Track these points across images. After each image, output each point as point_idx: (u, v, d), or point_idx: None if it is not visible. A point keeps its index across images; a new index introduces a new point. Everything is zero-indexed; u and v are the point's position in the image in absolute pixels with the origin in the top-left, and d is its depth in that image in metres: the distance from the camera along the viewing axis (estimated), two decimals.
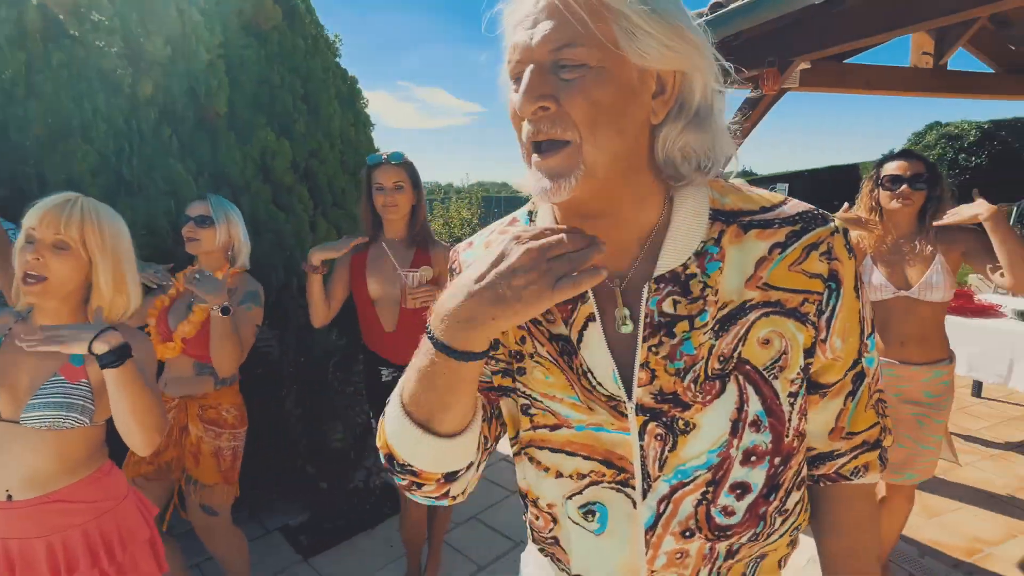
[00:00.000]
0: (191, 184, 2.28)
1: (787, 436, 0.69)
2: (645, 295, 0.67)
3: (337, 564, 2.38)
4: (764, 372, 0.67)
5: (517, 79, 0.63)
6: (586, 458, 0.72)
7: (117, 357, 1.13)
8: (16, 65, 2.00)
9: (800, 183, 20.95)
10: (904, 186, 1.81)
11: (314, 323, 1.99)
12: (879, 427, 0.75)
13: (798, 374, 0.68)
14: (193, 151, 2.36)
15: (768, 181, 21.34)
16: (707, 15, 2.81)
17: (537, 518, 0.81)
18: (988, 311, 3.30)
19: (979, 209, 1.68)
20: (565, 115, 0.60)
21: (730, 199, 0.70)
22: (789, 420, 0.69)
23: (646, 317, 0.66)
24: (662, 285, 0.66)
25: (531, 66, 0.60)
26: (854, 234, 1.90)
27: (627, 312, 0.68)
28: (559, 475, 0.74)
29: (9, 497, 1.16)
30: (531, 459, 0.77)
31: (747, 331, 0.66)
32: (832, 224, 0.67)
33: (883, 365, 1.88)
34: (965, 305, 3.31)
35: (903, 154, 1.88)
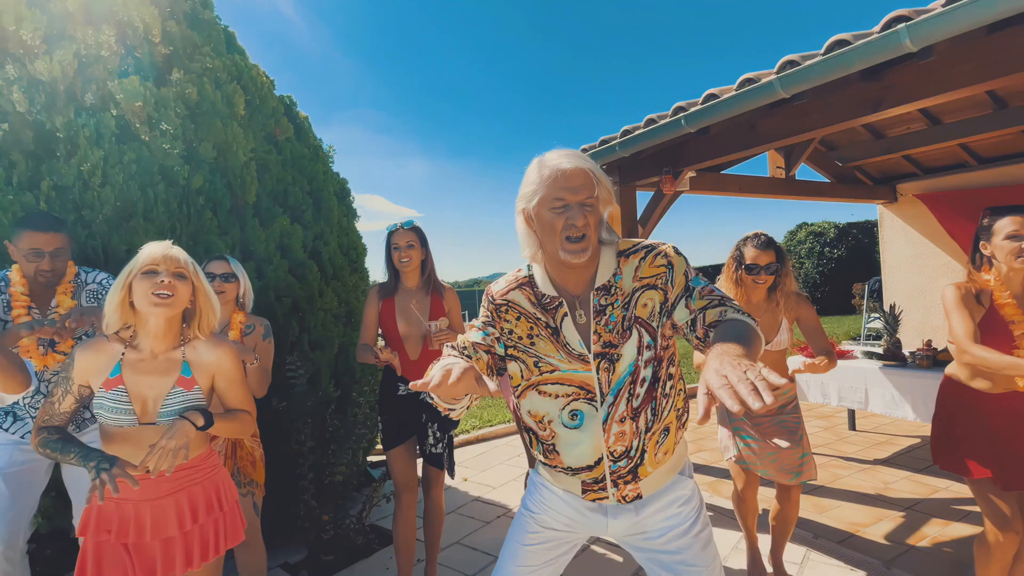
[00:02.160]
0: (225, 254, 2.66)
1: (663, 348, 1.26)
2: (592, 299, 1.25)
3: None
4: (647, 320, 1.24)
5: (563, 208, 1.20)
6: (568, 386, 1.26)
7: (207, 423, 1.45)
8: (95, 160, 2.40)
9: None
10: (761, 272, 2.22)
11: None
12: (719, 297, 1.22)
13: (662, 316, 1.25)
14: (228, 230, 2.77)
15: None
16: (619, 138, 3.65)
17: (544, 430, 1.30)
18: (845, 355, 4.11)
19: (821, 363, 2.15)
20: (588, 227, 1.20)
21: (623, 246, 1.30)
22: (660, 338, 1.25)
23: (593, 309, 1.24)
24: (598, 292, 1.25)
25: (579, 202, 1.20)
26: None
27: (581, 311, 1.27)
28: (556, 396, 1.27)
29: (148, 472, 1.46)
30: (539, 392, 1.29)
31: (636, 302, 1.24)
32: (666, 245, 1.28)
33: None
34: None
35: (762, 244, 2.23)
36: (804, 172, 5.57)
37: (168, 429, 1.35)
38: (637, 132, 3.58)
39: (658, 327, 1.25)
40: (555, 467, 1.31)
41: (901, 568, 2.52)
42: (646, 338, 1.24)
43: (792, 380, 2.39)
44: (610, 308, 1.25)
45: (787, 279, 2.25)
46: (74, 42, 2.45)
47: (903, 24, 2.19)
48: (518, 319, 1.31)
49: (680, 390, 1.32)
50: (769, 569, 2.48)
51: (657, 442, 1.26)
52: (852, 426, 4.78)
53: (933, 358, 3.66)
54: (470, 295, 22.03)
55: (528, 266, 1.35)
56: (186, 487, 1.48)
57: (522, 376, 1.31)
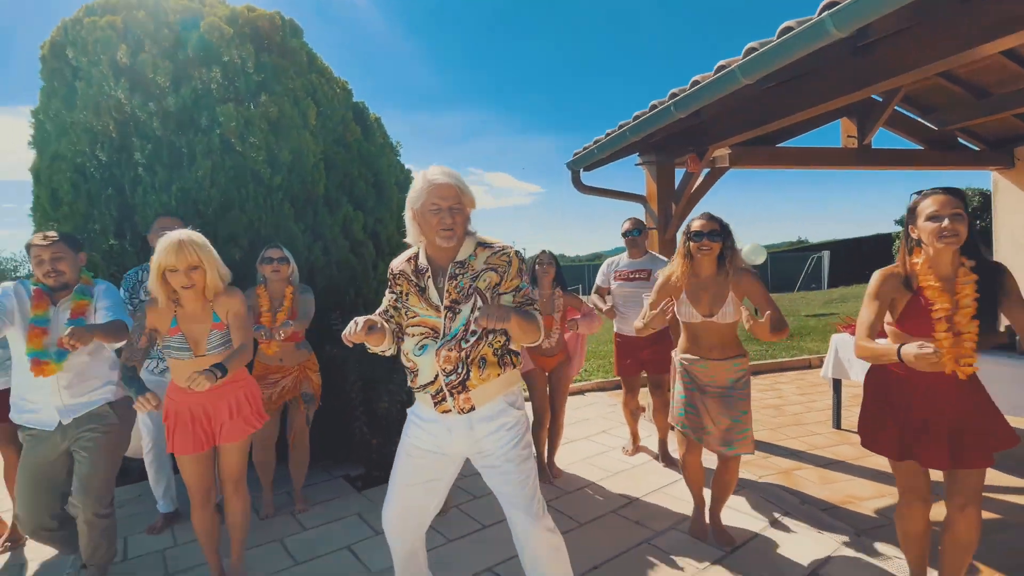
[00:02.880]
0: (299, 238, 3.39)
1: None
2: (450, 270, 1.68)
3: (382, 492, 3.22)
4: (483, 290, 1.66)
5: (437, 210, 1.63)
6: (423, 327, 1.71)
7: (223, 374, 1.97)
8: (206, 168, 3.20)
9: (841, 249, 21.86)
10: (704, 239, 2.34)
11: None
12: (531, 301, 1.72)
13: (494, 291, 1.67)
14: (302, 218, 3.49)
15: (815, 248, 22.45)
16: (631, 123, 3.81)
17: (408, 362, 1.76)
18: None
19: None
20: (458, 223, 1.62)
21: (484, 239, 1.72)
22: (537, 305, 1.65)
23: (448, 275, 1.68)
24: (456, 264, 1.68)
25: (448, 207, 1.62)
26: (670, 273, 2.46)
27: (441, 277, 1.71)
28: (414, 336, 1.73)
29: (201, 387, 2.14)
30: (407, 334, 1.75)
31: (479, 277, 1.65)
32: (512, 250, 1.70)
33: (697, 363, 2.43)
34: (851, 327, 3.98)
35: (707, 216, 2.38)
36: (886, 141, 5.11)
37: (199, 377, 1.90)
38: (642, 118, 3.72)
39: (490, 297, 1.67)
40: (415, 389, 1.76)
41: (872, 538, 2.58)
42: (479, 302, 1.67)
43: (745, 355, 2.46)
44: (461, 277, 1.69)
45: (734, 255, 2.38)
46: (191, 80, 3.26)
47: None
48: (404, 282, 1.78)
49: (503, 340, 1.73)
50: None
51: (478, 367, 1.68)
52: None
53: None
54: (592, 268, 22.35)
55: (416, 247, 1.79)
56: (230, 392, 2.16)
57: (402, 320, 1.79)
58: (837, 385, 4.26)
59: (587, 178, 4.74)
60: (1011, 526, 2.66)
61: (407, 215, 1.70)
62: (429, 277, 1.72)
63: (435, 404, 1.72)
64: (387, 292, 1.84)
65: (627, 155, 4.55)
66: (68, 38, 3.34)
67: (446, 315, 1.68)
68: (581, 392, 5.64)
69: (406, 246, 1.84)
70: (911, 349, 1.65)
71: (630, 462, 3.64)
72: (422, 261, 1.75)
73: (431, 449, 1.78)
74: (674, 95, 3.49)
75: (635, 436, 3.77)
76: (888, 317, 1.98)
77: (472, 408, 1.70)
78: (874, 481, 3.22)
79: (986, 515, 2.80)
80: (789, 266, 21.53)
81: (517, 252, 1.70)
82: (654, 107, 3.71)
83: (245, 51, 3.41)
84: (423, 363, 1.71)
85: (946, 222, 1.78)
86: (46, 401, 2.16)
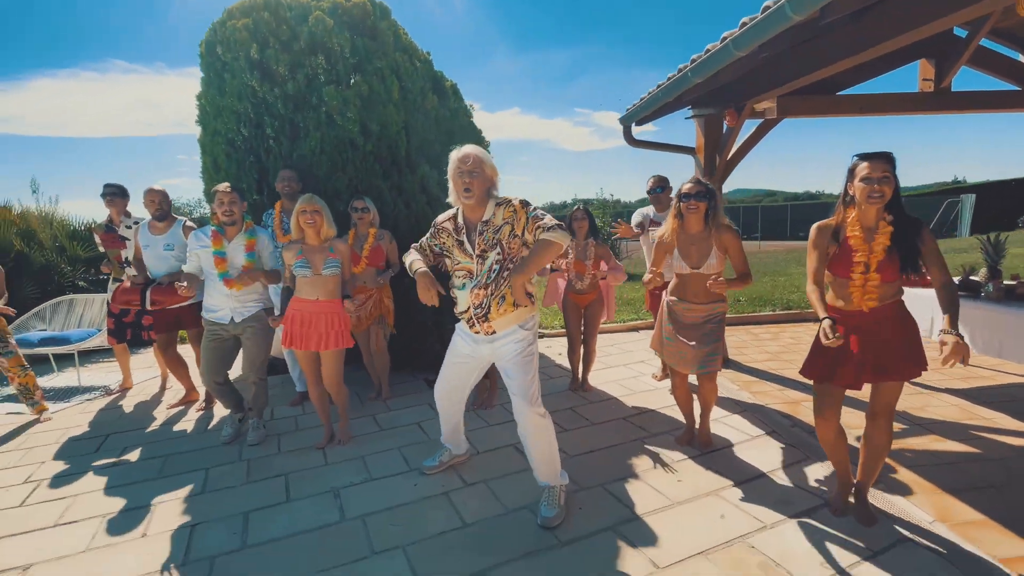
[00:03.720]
0: (386, 193, 4.19)
1: (508, 257, 2.27)
2: (479, 227, 2.29)
3: None
4: (502, 240, 2.26)
5: (460, 173, 2.26)
6: (463, 270, 2.36)
7: (347, 295, 2.92)
8: (316, 139, 4.06)
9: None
10: (691, 199, 2.70)
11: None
12: (541, 220, 2.26)
13: (511, 238, 2.26)
14: (388, 177, 4.27)
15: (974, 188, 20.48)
16: (675, 75, 4.00)
17: (452, 295, 2.42)
18: (925, 283, 3.97)
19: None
20: (475, 184, 2.24)
21: (500, 200, 2.29)
22: (507, 250, 2.26)
23: (479, 231, 2.29)
24: (483, 223, 2.29)
25: (466, 173, 2.24)
26: (664, 231, 2.86)
27: (474, 233, 2.33)
28: (457, 275, 2.38)
29: (317, 299, 3.04)
30: (455, 274, 2.41)
31: (500, 230, 2.25)
32: (517, 201, 2.28)
33: (681, 304, 2.85)
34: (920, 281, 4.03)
35: (693, 180, 2.73)
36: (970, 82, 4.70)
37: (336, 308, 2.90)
38: (668, 81, 3.90)
39: (506, 245, 2.28)
40: (457, 314, 2.45)
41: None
42: (498, 250, 2.28)
43: (724, 301, 2.85)
44: (487, 232, 2.30)
45: (718, 214, 2.75)
46: (303, 68, 4.07)
47: None
48: (446, 236, 2.42)
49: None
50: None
51: (497, 303, 2.30)
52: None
53: (1009, 292, 3.44)
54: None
55: (456, 208, 2.43)
56: (329, 311, 3.04)
57: (450, 265, 2.45)
58: None
59: (639, 134, 5.02)
60: (982, 459, 2.90)
61: (449, 184, 2.34)
62: (464, 233, 2.36)
63: (469, 326, 2.44)
64: (428, 236, 2.53)
65: (678, 109, 4.76)
66: (217, 37, 4.27)
67: (477, 261, 2.33)
68: (636, 329, 6.15)
69: None
70: (824, 324, 2.04)
71: (655, 385, 4.20)
72: (460, 221, 2.39)
73: (467, 353, 2.52)
74: (724, 38, 3.49)
75: (664, 364, 4.30)
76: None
77: (493, 332, 2.38)
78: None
79: (960, 446, 3.07)
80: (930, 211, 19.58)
81: (521, 201, 2.28)
82: (708, 50, 3.78)
83: (343, 39, 4.13)
84: (461, 296, 2.40)
85: (875, 184, 2.09)
86: (224, 306, 3.19)
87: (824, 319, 2.07)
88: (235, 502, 2.65)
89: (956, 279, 3.80)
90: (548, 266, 3.76)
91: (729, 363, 4.74)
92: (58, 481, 2.94)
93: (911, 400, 3.74)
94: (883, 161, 2.10)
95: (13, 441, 3.55)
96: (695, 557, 2.12)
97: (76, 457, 3.25)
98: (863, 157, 2.14)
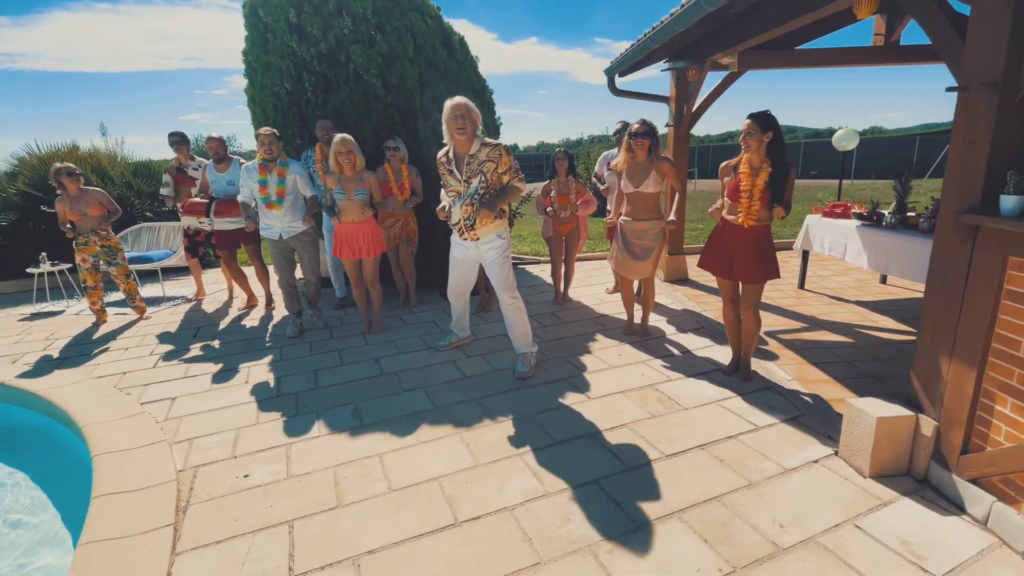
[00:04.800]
0: (404, 137, 4.97)
1: (489, 184, 3.10)
2: (466, 160, 3.11)
3: None
4: (485, 172, 3.08)
5: (454, 117, 3.04)
6: (453, 191, 3.20)
7: (375, 214, 3.77)
8: (345, 92, 4.79)
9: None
10: (639, 138, 3.45)
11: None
12: (514, 172, 3.13)
13: (492, 174, 3.08)
14: (406, 124, 5.03)
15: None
16: (650, 32, 4.61)
17: (446, 212, 3.29)
18: (846, 215, 4.73)
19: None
20: (466, 126, 3.03)
21: (484, 140, 3.09)
22: (487, 180, 3.09)
23: (466, 163, 3.11)
24: (469, 156, 3.10)
25: (459, 116, 3.02)
26: (617, 161, 3.67)
27: (462, 163, 3.14)
28: (450, 194, 3.23)
29: (354, 220, 3.93)
30: (447, 193, 3.26)
31: (482, 164, 3.08)
32: (502, 146, 3.08)
33: (628, 222, 3.61)
34: (831, 212, 4.79)
35: (641, 122, 3.45)
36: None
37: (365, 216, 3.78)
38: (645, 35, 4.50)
39: (488, 177, 3.08)
40: (451, 225, 3.31)
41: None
42: (481, 178, 3.08)
43: (660, 218, 3.63)
44: (472, 163, 3.07)
45: (658, 148, 3.53)
46: (332, 29, 4.75)
47: None
48: (442, 167, 3.22)
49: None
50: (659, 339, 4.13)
51: (478, 217, 3.15)
52: (801, 284, 5.32)
53: (901, 222, 4.21)
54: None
55: (448, 146, 3.20)
56: (366, 228, 3.95)
57: (445, 188, 3.28)
58: (805, 255, 5.21)
59: (621, 84, 5.64)
60: (851, 345, 3.80)
61: (443, 127, 3.13)
62: (454, 163, 3.16)
63: (459, 235, 3.31)
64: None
65: (656, 60, 5.35)
66: (258, 1, 4.93)
67: (464, 185, 3.14)
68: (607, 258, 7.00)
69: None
70: (714, 207, 2.97)
71: (616, 298, 5.11)
72: (450, 154, 3.18)
73: (461, 256, 3.41)
74: None
75: (617, 282, 5.19)
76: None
77: (477, 239, 3.26)
78: (788, 319, 4.41)
79: (840, 338, 3.98)
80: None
81: (504, 147, 3.07)
82: (683, 4, 4.35)
83: (364, 2, 4.77)
84: (453, 212, 3.26)
85: (742, 137, 2.89)
86: (275, 224, 4.10)
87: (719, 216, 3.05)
88: (305, 365, 3.69)
89: (863, 212, 4.55)
90: (546, 208, 4.62)
91: (687, 281, 5.62)
92: (171, 355, 4.00)
93: (822, 308, 4.62)
94: (749, 119, 2.87)
95: (129, 331, 4.63)
96: (616, 394, 3.10)
97: (180, 341, 4.31)
98: (748, 116, 2.90)
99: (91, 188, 4.57)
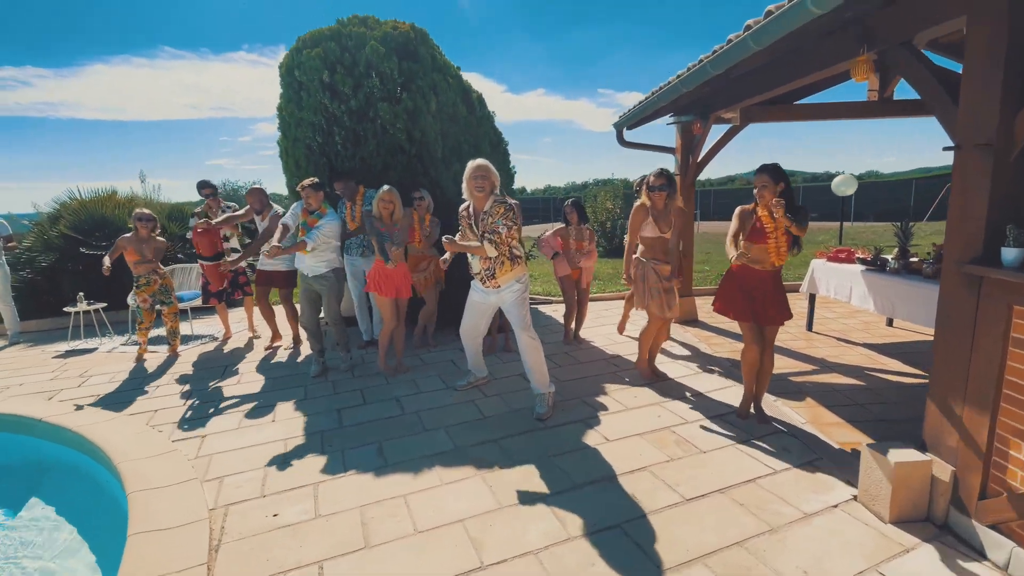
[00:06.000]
0: (427, 188, 5.15)
1: (498, 236, 3.20)
2: (481, 216, 3.24)
3: None
4: (489, 231, 3.19)
5: (474, 177, 3.20)
6: (473, 243, 3.30)
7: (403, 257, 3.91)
8: (372, 145, 5.02)
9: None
10: (656, 189, 3.63)
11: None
12: (495, 231, 3.21)
13: (496, 230, 3.18)
14: (428, 173, 5.23)
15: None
16: (658, 91, 4.82)
17: (472, 266, 3.41)
18: (850, 260, 4.78)
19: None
20: (485, 186, 3.18)
21: (497, 197, 3.22)
22: (496, 234, 3.19)
23: (480, 218, 3.24)
24: (483, 213, 3.23)
25: (479, 177, 3.18)
26: (638, 205, 3.76)
27: (478, 219, 3.28)
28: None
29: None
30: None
31: (491, 220, 3.19)
32: (503, 205, 3.20)
33: (655, 263, 3.75)
34: (837, 256, 4.84)
35: (660, 174, 3.59)
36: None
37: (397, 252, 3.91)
38: (653, 94, 4.72)
39: (493, 230, 3.19)
40: (472, 273, 3.41)
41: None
42: (491, 232, 3.19)
43: (670, 262, 3.79)
44: (487, 219, 3.20)
45: (675, 197, 3.67)
46: (363, 87, 5.01)
47: None
48: (463, 220, 3.35)
49: (509, 250, 3.25)
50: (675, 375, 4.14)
51: (500, 265, 3.25)
52: (809, 327, 5.31)
53: (906, 266, 4.25)
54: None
55: (468, 202, 3.33)
56: (399, 273, 4.05)
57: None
58: (812, 298, 5.24)
59: (629, 136, 5.85)
60: (862, 388, 3.78)
61: (463, 184, 3.27)
62: (472, 219, 3.31)
63: (481, 283, 3.41)
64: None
65: (663, 115, 5.56)
66: (294, 62, 5.23)
67: (480, 238, 3.24)
68: (622, 298, 7.05)
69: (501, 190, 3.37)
70: (735, 255, 3.04)
71: (629, 339, 5.14)
72: (471, 210, 3.33)
73: (480, 300, 3.49)
74: (702, 59, 4.25)
75: (623, 320, 5.24)
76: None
77: (498, 287, 3.35)
78: (799, 361, 4.40)
79: (851, 380, 3.96)
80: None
81: (505, 203, 3.19)
82: (690, 68, 4.54)
83: (391, 63, 5.05)
84: (473, 262, 3.38)
85: (756, 190, 2.99)
86: (303, 262, 4.21)
87: (735, 256, 3.09)
88: (329, 404, 3.72)
89: (867, 257, 4.61)
90: (553, 252, 4.75)
91: (697, 322, 5.64)
92: (201, 393, 4.06)
93: (831, 350, 4.61)
94: (763, 174, 2.98)
95: (160, 368, 4.71)
96: (634, 436, 3.09)
97: (208, 379, 4.38)
98: (758, 170, 3.02)
99: (156, 236, 4.88)
